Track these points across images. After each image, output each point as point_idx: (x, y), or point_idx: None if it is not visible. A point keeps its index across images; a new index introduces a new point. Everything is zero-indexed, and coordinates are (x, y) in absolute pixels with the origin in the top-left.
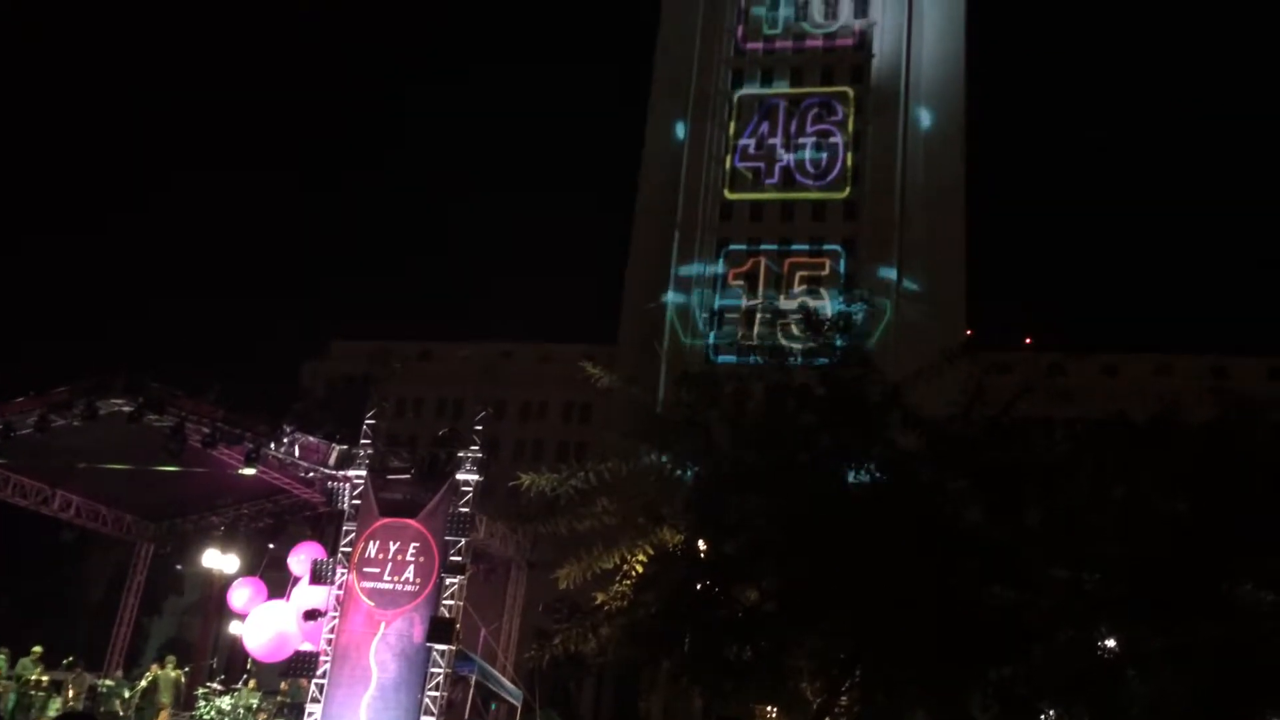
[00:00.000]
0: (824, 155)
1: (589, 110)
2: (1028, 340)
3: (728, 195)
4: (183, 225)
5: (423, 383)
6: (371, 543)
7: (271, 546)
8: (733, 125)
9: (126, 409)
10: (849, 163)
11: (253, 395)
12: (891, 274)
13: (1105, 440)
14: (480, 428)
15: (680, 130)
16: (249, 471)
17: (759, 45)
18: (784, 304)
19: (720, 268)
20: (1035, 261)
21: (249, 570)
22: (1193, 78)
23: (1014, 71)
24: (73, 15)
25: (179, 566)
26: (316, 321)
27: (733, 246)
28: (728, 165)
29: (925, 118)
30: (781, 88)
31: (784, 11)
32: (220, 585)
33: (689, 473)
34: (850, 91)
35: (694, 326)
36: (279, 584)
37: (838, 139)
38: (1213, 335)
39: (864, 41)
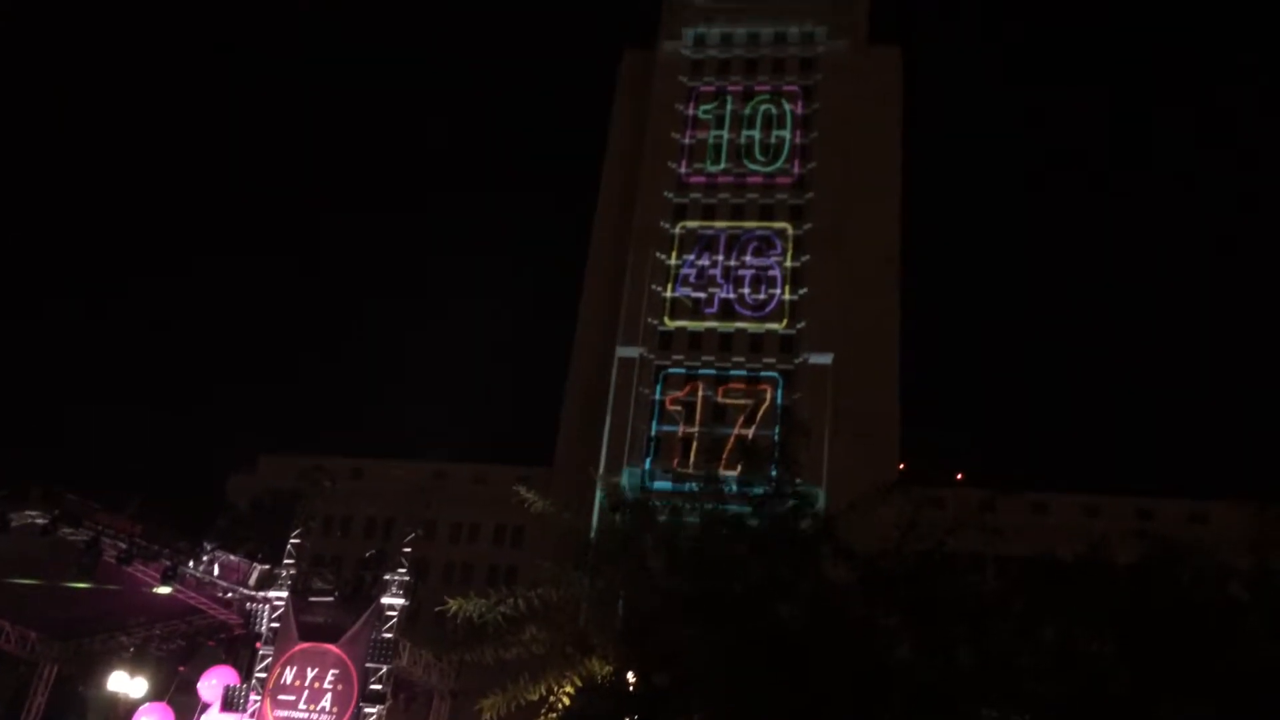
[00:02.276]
0: (763, 288)
1: (532, 235)
2: (959, 476)
3: (667, 323)
4: (110, 333)
5: (353, 501)
6: (289, 668)
7: (182, 669)
8: (674, 255)
9: (40, 521)
10: (786, 296)
11: (174, 510)
12: (826, 404)
13: (1035, 578)
14: (408, 550)
15: (622, 260)
16: (165, 590)
17: (701, 179)
18: (720, 432)
19: (658, 394)
20: (967, 399)
21: (157, 695)
22: (1126, 229)
23: (948, 214)
24: None
25: (83, 689)
26: (246, 436)
27: (671, 372)
28: (668, 294)
29: (861, 253)
30: (722, 221)
31: (726, 149)
32: (126, 710)
33: (620, 602)
34: (789, 228)
35: (630, 452)
36: (188, 709)
37: (776, 273)
38: (1138, 477)
39: (803, 180)
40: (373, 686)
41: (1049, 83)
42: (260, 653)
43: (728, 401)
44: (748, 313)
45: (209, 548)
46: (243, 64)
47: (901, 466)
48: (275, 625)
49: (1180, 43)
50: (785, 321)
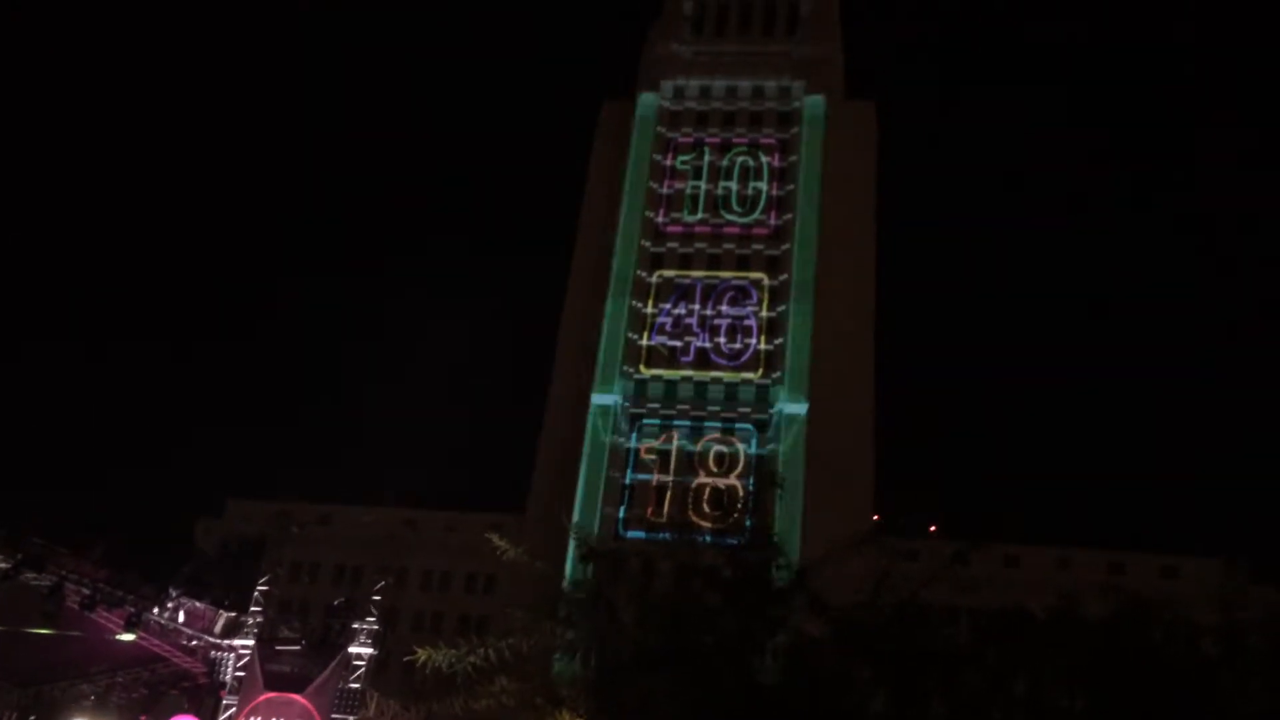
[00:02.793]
0: (739, 337)
1: (509, 281)
2: (933, 528)
3: (643, 371)
4: (77, 376)
5: (322, 547)
6: (253, 718)
7: (144, 719)
8: (651, 304)
9: (3, 565)
10: (761, 346)
11: (140, 555)
12: (800, 455)
13: (1007, 632)
14: (378, 598)
15: (598, 309)
16: (128, 637)
17: (679, 229)
18: (695, 482)
19: (633, 442)
20: (941, 450)
21: None
22: (1101, 276)
23: (922, 264)
24: None
25: None
26: (215, 480)
27: (647, 422)
28: (644, 342)
29: (836, 305)
30: (699, 271)
31: (704, 199)
32: None
33: (592, 653)
34: (765, 278)
35: (604, 500)
36: None
37: (752, 322)
38: (1110, 530)
39: (779, 231)
40: None
41: (1021, 133)
42: (224, 702)
43: (702, 451)
44: (723, 362)
45: (174, 594)
46: (222, 100)
47: (876, 517)
48: (240, 674)
49: (1150, 83)
50: (761, 371)
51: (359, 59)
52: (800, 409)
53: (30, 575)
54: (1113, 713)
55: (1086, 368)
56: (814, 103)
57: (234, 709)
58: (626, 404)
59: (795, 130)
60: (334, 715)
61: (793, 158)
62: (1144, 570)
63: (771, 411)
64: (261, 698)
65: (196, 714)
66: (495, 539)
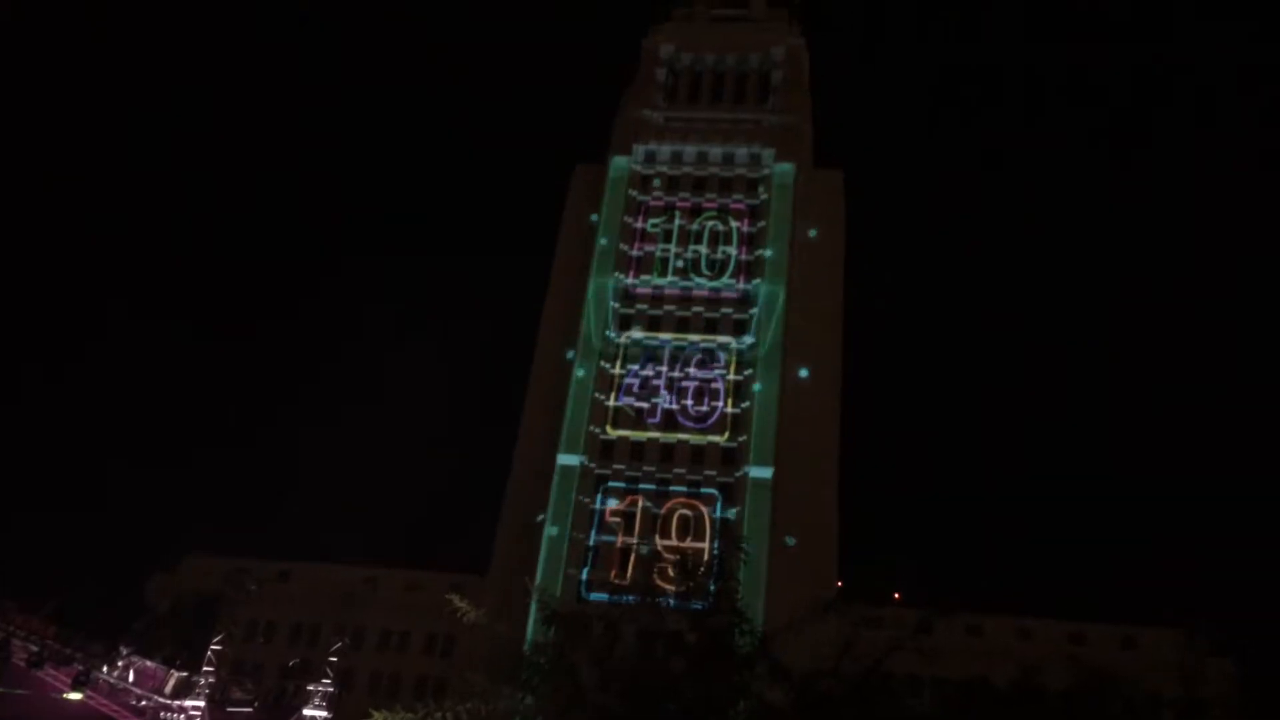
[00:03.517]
0: (705, 400)
1: (477, 339)
2: (896, 595)
3: (610, 432)
4: (27, 428)
5: (279, 605)
6: None
7: None
8: (619, 365)
9: None
10: (728, 409)
11: (91, 611)
12: (766, 521)
13: (970, 703)
14: (334, 659)
15: (566, 368)
16: (76, 696)
17: (649, 291)
18: (660, 545)
19: (598, 504)
20: (906, 517)
21: None
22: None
23: (889, 330)
24: None
25: None
26: (169, 532)
27: (612, 484)
28: (611, 403)
29: (803, 372)
30: (667, 333)
31: (673, 262)
32: None
33: (551, 717)
34: (732, 341)
35: (569, 562)
36: None
37: (719, 385)
38: (1069, 600)
39: (747, 296)
40: None
41: (988, 199)
42: None
43: (668, 514)
44: (690, 424)
45: (124, 652)
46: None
47: (840, 584)
48: None
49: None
50: (727, 434)
51: (333, 130)
52: (766, 473)
53: None
54: None
55: (1050, 437)
56: (783, 170)
57: None
58: (592, 465)
59: (765, 196)
60: None
61: (762, 223)
62: (1104, 640)
63: (737, 475)
64: None
65: None
66: (456, 599)
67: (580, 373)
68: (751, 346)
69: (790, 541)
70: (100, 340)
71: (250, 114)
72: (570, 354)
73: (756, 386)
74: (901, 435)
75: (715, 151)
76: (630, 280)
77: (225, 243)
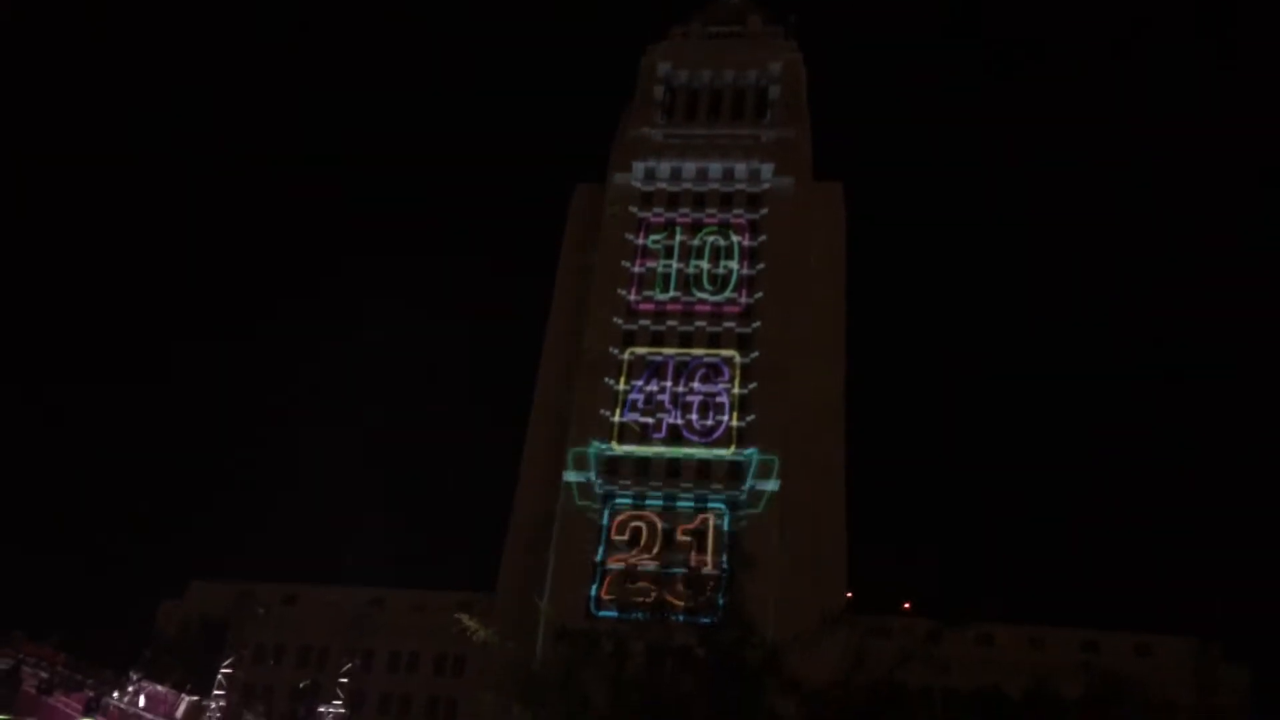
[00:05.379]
0: (710, 414)
1: (480, 356)
2: (907, 605)
3: (615, 448)
4: (34, 456)
5: (286, 629)
6: None
7: None
8: (623, 381)
9: None
10: (734, 423)
11: (101, 638)
12: (773, 532)
13: (983, 714)
14: (345, 680)
15: (570, 385)
16: None
17: (650, 306)
18: (668, 560)
19: (605, 520)
20: (914, 527)
21: None
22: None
23: (894, 339)
24: None
25: None
26: (177, 559)
27: (618, 501)
28: (616, 419)
29: (808, 382)
30: (671, 348)
31: (675, 278)
32: None
33: None
34: (736, 355)
35: (577, 579)
36: None
37: (724, 399)
38: (1084, 608)
39: (750, 309)
40: None
41: (987, 206)
42: None
43: (675, 528)
44: (695, 439)
45: (135, 678)
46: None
47: (849, 595)
48: None
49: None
50: (733, 447)
51: (329, 139)
52: (773, 485)
53: None
54: None
55: (1059, 445)
56: (783, 184)
57: None
58: (599, 481)
59: (765, 211)
60: None
61: (762, 237)
62: (1118, 649)
63: (744, 488)
64: None
65: None
66: (465, 619)
67: (584, 389)
68: (755, 359)
69: (791, 551)
70: (98, 355)
71: (250, 119)
72: (572, 370)
73: (761, 399)
74: (909, 444)
75: (715, 167)
76: (632, 296)
77: (210, 253)
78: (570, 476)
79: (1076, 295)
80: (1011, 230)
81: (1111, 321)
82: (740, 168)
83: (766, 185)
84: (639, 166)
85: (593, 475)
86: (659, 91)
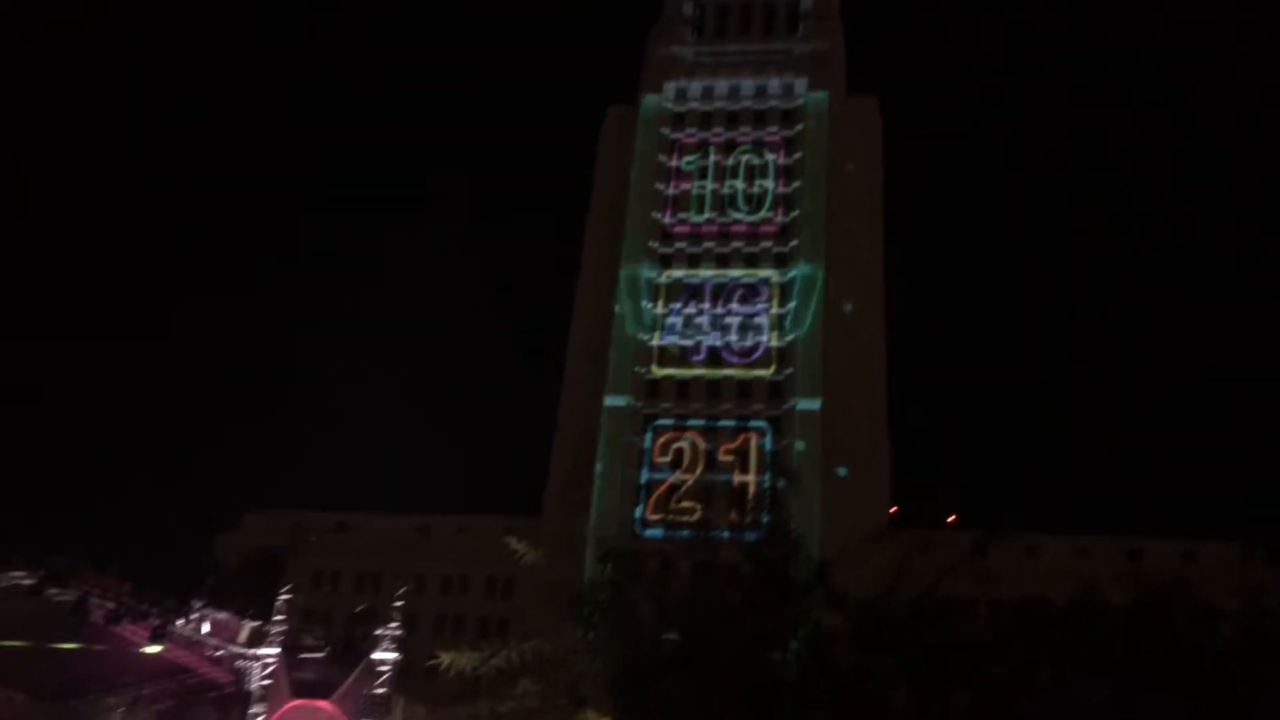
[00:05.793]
0: (749, 335)
1: (519, 285)
2: (951, 519)
3: (655, 372)
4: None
5: (339, 556)
6: None
7: None
8: (660, 305)
9: (27, 582)
10: (773, 343)
11: (162, 569)
12: (817, 452)
13: (1029, 622)
14: (399, 604)
15: (608, 310)
16: (154, 649)
17: (686, 228)
18: (711, 480)
19: (647, 443)
20: (957, 439)
21: None
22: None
23: (932, 253)
24: None
25: None
26: (230, 492)
27: (660, 422)
28: (655, 342)
29: (846, 300)
30: (708, 270)
31: (710, 199)
32: None
33: (614, 653)
34: (774, 275)
35: (621, 501)
36: None
37: (763, 319)
38: (1129, 517)
39: (787, 228)
40: None
41: (1023, 113)
42: (252, 710)
43: (717, 449)
44: (735, 360)
45: (197, 606)
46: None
47: (893, 510)
48: (266, 683)
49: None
50: (773, 368)
51: (357, 69)
52: (814, 404)
53: (54, 591)
54: (1136, 699)
55: (1102, 350)
56: (817, 99)
57: (261, 717)
58: (640, 405)
59: (799, 127)
60: None
61: (798, 154)
62: (1163, 556)
63: (785, 408)
64: (288, 705)
65: None
66: (513, 542)
67: (622, 314)
68: (793, 278)
69: (842, 473)
70: (144, 312)
71: (274, 40)
72: (610, 295)
73: (800, 318)
74: (950, 357)
75: (747, 84)
76: (668, 219)
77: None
78: (611, 400)
79: (1123, 206)
80: (1055, 138)
81: (1154, 229)
82: (773, 83)
83: (800, 101)
84: (670, 87)
85: (633, 399)
86: (688, 8)
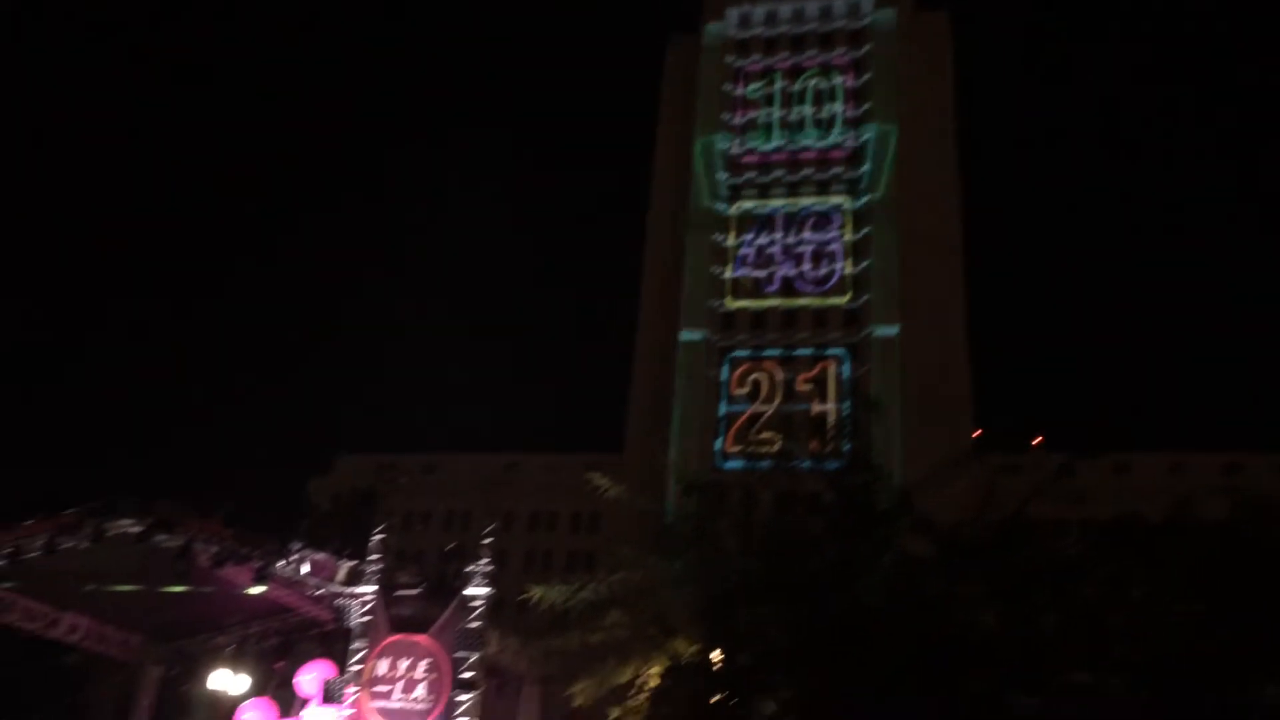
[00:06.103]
0: (823, 263)
1: (592, 222)
2: (1038, 440)
3: (729, 304)
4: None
5: (429, 496)
6: (382, 660)
7: (280, 665)
8: (732, 236)
9: (135, 530)
10: (848, 270)
11: (260, 514)
12: (895, 377)
13: (1120, 541)
14: (488, 541)
15: (680, 244)
16: (257, 590)
17: (755, 158)
18: (790, 410)
19: (724, 375)
20: (1042, 360)
21: (258, 691)
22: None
23: (1009, 175)
24: None
25: (185, 689)
26: (323, 437)
27: (736, 354)
28: (728, 275)
29: (921, 223)
30: (778, 199)
31: (778, 126)
32: (229, 707)
33: (700, 584)
34: (846, 201)
35: (701, 434)
36: (289, 703)
37: (836, 247)
38: (1225, 432)
39: (857, 153)
40: (464, 674)
41: (1100, 38)
42: (353, 646)
43: (795, 379)
44: (810, 289)
45: (296, 547)
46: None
47: (977, 434)
48: (366, 619)
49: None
50: (849, 295)
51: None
52: (892, 330)
53: (161, 538)
54: (1233, 616)
55: (1191, 261)
56: (884, 17)
57: (363, 652)
58: (715, 338)
59: (867, 47)
60: (457, 653)
61: (866, 75)
62: (1261, 469)
63: (862, 334)
64: (388, 640)
65: (329, 658)
66: (597, 478)
67: (693, 248)
68: (866, 203)
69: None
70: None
71: None
72: (681, 230)
73: (875, 243)
74: (1032, 276)
75: (811, 6)
76: (735, 149)
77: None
78: (686, 336)
79: (1203, 117)
80: (1135, 46)
81: (1237, 141)
82: (838, 4)
83: (867, 20)
84: (733, 13)
85: (709, 332)
86: None
